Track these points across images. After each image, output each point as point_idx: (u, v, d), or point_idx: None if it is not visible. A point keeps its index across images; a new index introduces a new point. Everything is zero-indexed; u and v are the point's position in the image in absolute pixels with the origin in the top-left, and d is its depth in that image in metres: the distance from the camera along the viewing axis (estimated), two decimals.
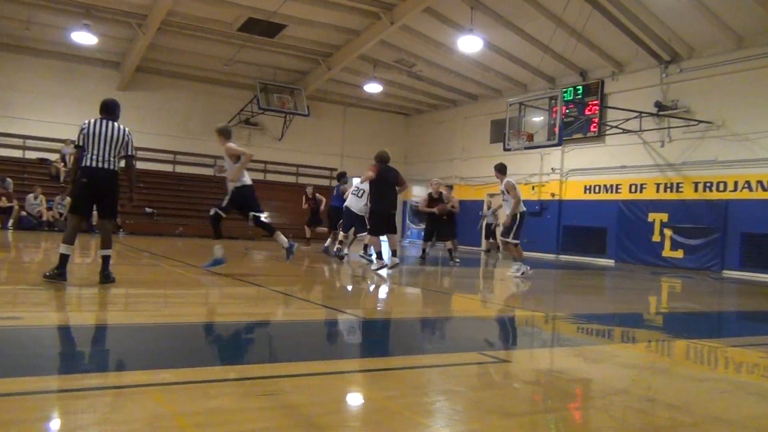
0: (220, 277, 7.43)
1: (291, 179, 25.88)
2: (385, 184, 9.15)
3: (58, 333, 3.77)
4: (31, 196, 17.93)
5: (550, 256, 19.09)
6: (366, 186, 10.99)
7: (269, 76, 23.25)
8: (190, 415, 2.22)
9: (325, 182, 26.54)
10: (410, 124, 28.24)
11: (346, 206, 11.79)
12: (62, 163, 20.69)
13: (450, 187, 15.11)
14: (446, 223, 12.98)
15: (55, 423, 2.16)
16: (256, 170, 24.85)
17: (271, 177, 25.26)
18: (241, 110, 23.97)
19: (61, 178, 20.07)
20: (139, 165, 22.64)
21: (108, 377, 2.73)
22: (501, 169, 10.03)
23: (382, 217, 9.21)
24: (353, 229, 11.82)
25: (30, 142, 21.07)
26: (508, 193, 9.65)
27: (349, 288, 8.26)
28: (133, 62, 21.15)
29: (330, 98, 25.71)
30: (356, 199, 11.54)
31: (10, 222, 17.34)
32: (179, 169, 23.60)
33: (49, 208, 18.14)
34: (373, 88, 22.81)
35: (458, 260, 13.03)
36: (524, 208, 10.00)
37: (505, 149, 18.03)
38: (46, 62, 21.41)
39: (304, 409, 2.38)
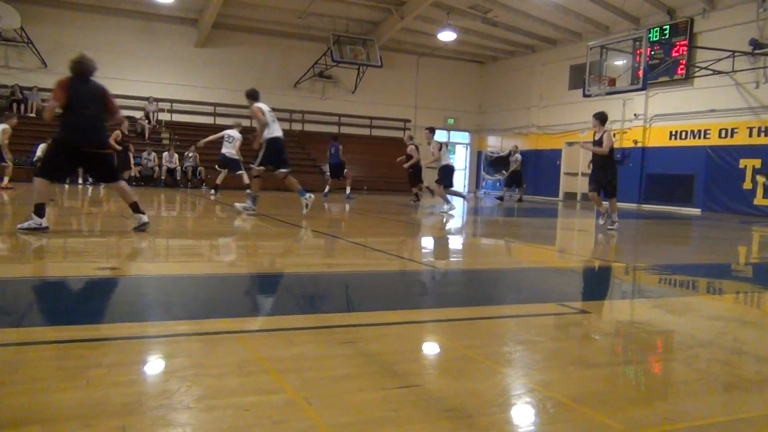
0: (298, 229, 7.61)
1: (365, 132, 25.94)
2: None
3: (152, 282, 3.98)
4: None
5: (632, 206, 18.48)
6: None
7: (342, 28, 23.13)
8: (276, 361, 2.31)
9: (398, 134, 26.46)
10: (485, 72, 27.58)
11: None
12: (146, 120, 21.47)
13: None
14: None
15: (154, 366, 2.30)
16: (331, 123, 25.06)
17: (345, 130, 25.38)
18: (315, 63, 24.05)
19: (146, 135, 20.89)
20: (219, 120, 23.33)
21: (199, 324, 2.87)
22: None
23: None
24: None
25: (116, 102, 21.91)
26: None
27: (426, 239, 8.29)
28: (210, 18, 21.47)
29: (403, 48, 25.39)
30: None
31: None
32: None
33: (137, 164, 18.94)
34: (446, 36, 22.33)
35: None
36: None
37: (585, 95, 17.40)
38: (126, 22, 22.06)
39: (385, 356, 2.44)
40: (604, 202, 9.50)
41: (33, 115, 20.40)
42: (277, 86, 24.04)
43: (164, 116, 22.58)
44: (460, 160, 28.96)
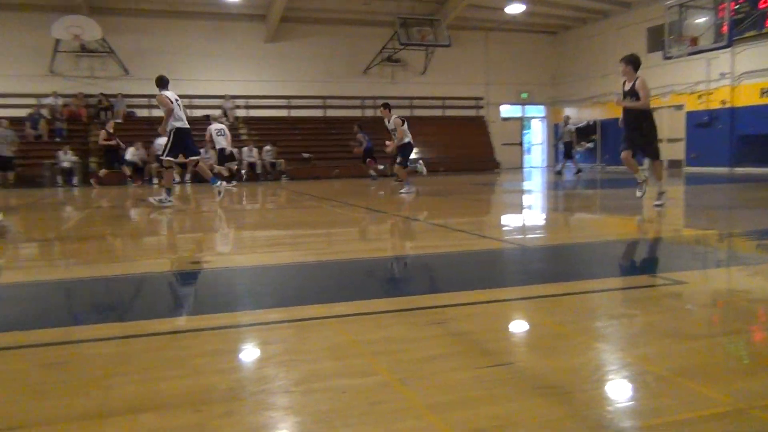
0: (378, 215, 7.67)
1: (437, 113, 25.78)
2: None
3: (244, 273, 4.12)
4: (202, 150, 19.41)
5: (722, 170, 17.56)
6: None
7: (407, 10, 23.00)
8: (367, 344, 2.36)
9: (471, 113, 26.16)
10: (557, 42, 26.78)
11: None
12: (224, 117, 22.12)
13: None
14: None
15: (252, 353, 2.38)
16: (402, 107, 25.02)
17: (417, 112, 25.28)
18: (382, 48, 24.05)
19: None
20: (293, 113, 23.77)
21: (289, 311, 2.95)
22: (634, 62, 7.57)
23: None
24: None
25: (195, 101, 22.68)
26: (640, 94, 7.45)
27: (507, 217, 8.18)
28: (277, 13, 21.84)
29: (470, 25, 24.99)
30: None
31: (188, 176, 18.99)
32: (329, 113, 24.34)
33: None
34: (515, 8, 21.83)
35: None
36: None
37: (665, 58, 16.63)
38: (198, 24, 22.74)
39: (475, 336, 2.44)
40: (642, 169, 7.94)
41: (120, 120, 21.41)
42: (346, 74, 24.25)
43: (241, 112, 23.20)
44: (537, 134, 28.33)
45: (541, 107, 27.49)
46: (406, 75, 25.39)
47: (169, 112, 9.19)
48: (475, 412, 1.70)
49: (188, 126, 9.54)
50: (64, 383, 2.00)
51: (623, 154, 7.61)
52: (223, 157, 15.97)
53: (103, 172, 15.70)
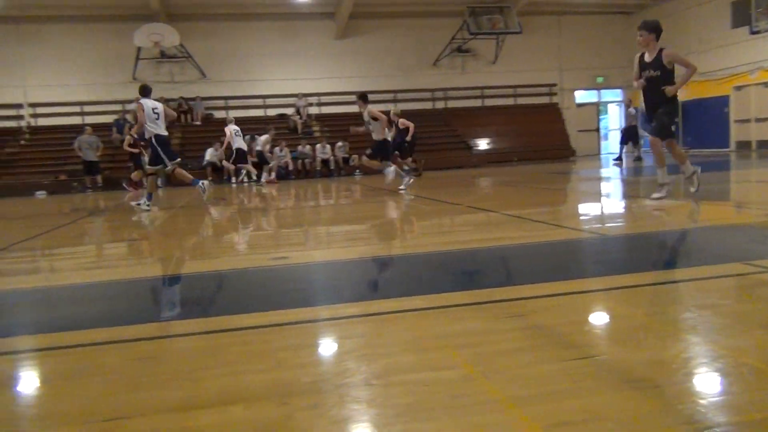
0: (451, 206, 7.63)
1: (509, 102, 25.39)
2: None
3: (318, 269, 4.19)
4: (277, 149, 19.87)
5: None
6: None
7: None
8: (446, 337, 2.35)
9: (544, 100, 25.63)
10: (633, 23, 25.77)
11: None
12: (298, 116, 22.52)
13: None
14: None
15: (332, 346, 2.42)
16: (473, 97, 24.77)
17: (488, 102, 25.01)
18: (452, 39, 23.89)
19: (299, 130, 21.93)
20: None
21: (367, 305, 2.98)
22: (656, 29, 6.57)
23: None
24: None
25: (269, 101, 23.22)
26: (675, 61, 6.63)
27: (584, 206, 7.98)
28: (346, 10, 22.04)
29: (542, 10, 24.46)
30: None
31: (264, 174, 19.44)
32: (400, 106, 24.39)
33: (293, 158, 19.96)
34: None
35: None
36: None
37: (752, 32, 15.76)
38: (270, 24, 23.24)
39: (557, 328, 2.39)
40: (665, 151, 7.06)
41: (198, 123, 22.17)
42: (416, 67, 24.21)
43: (313, 110, 23.57)
44: (614, 119, 27.45)
45: (618, 91, 26.60)
46: (476, 65, 25.12)
47: (142, 123, 9.62)
48: (559, 405, 1.67)
49: (166, 133, 9.86)
50: (158, 376, 2.09)
51: (652, 141, 6.87)
52: (240, 156, 16.71)
53: (135, 175, 16.29)
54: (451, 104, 24.86)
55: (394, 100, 24.26)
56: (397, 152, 13.11)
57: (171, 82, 22.75)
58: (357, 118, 23.57)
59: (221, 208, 10.54)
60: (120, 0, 21.16)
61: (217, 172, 19.47)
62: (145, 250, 5.70)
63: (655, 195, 6.88)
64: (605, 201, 8.38)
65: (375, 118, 10.48)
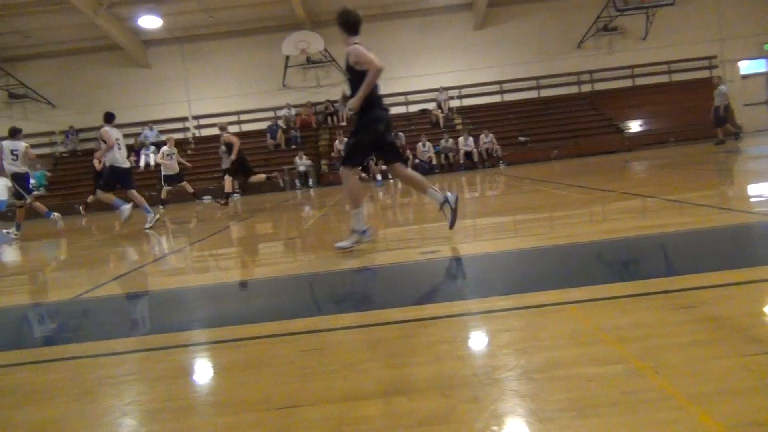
0: (605, 194, 7.29)
1: (662, 79, 23.80)
2: None
3: (470, 262, 4.18)
4: (420, 144, 20.10)
5: None
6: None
7: None
8: (611, 330, 2.25)
9: (703, 74, 23.74)
10: None
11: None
12: (439, 110, 22.61)
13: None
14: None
15: (489, 339, 2.40)
16: (622, 77, 23.51)
17: (640, 81, 23.60)
18: (597, 18, 22.83)
19: (441, 124, 22.02)
20: (506, 97, 23.54)
21: (523, 298, 2.93)
22: None
23: None
24: None
25: (410, 97, 23.51)
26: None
27: (753, 188, 7.28)
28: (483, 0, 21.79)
29: None
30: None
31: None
32: (543, 93, 23.70)
33: (436, 152, 20.08)
34: None
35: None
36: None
37: None
38: (408, 21, 23.52)
39: (735, 320, 2.20)
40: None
41: (344, 123, 22.96)
42: (559, 50, 23.41)
43: (454, 103, 23.54)
44: None
45: None
46: (625, 43, 23.81)
47: (108, 148, 9.85)
48: (745, 403, 1.54)
49: (125, 166, 10.17)
50: (324, 367, 2.20)
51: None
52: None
53: (164, 192, 16.76)
54: (599, 86, 23.72)
55: (537, 87, 23.62)
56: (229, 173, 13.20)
57: (317, 86, 23.76)
58: (498, 107, 23.24)
59: (368, 204, 10.84)
60: (268, 12, 22.40)
61: (363, 170, 20.04)
62: (302, 248, 5.99)
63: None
64: None
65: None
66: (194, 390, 2.23)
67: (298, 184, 20.12)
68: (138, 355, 2.70)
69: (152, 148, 22.59)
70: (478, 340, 2.42)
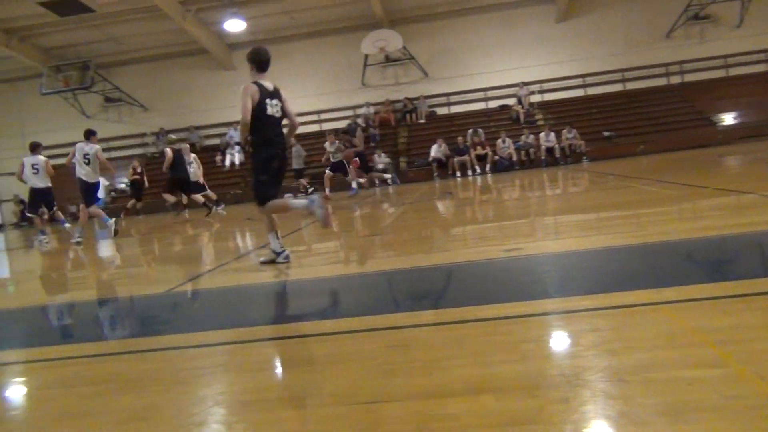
0: (697, 190, 6.96)
1: (760, 68, 22.48)
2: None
3: (554, 260, 4.08)
4: (499, 140, 19.84)
5: None
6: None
7: None
8: (710, 332, 2.14)
9: None
10: None
11: None
12: (519, 105, 22.24)
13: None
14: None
15: (578, 339, 2.32)
16: (714, 68, 22.38)
17: (734, 71, 22.38)
18: (687, 6, 21.81)
19: (521, 120, 21.65)
20: (590, 90, 22.85)
21: (611, 297, 2.83)
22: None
23: None
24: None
25: (490, 93, 23.24)
26: None
27: None
28: None
29: None
30: None
31: (487, 167, 19.55)
32: (630, 86, 22.87)
33: (516, 149, 19.77)
34: None
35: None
36: None
37: None
38: (487, 17, 23.24)
39: None
40: None
41: (423, 121, 22.96)
42: (645, 41, 22.52)
43: (535, 98, 23.08)
44: None
45: None
46: (717, 31, 22.63)
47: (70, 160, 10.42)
48: None
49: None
50: (409, 364, 2.20)
51: None
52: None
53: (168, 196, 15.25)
54: (689, 78, 22.66)
55: (623, 80, 22.82)
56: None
57: (396, 84, 23.84)
58: (581, 102, 22.59)
59: (447, 201, 10.79)
60: (347, 12, 22.66)
61: (442, 168, 19.98)
62: (382, 245, 6.03)
63: None
64: None
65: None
66: (281, 382, 2.28)
67: (377, 182, 20.27)
68: (226, 347, 2.79)
69: (237, 147, 23.32)
70: (564, 340, 2.36)
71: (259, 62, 5.15)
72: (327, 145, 14.87)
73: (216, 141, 24.63)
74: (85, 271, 7.03)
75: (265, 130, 5.07)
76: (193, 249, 8.04)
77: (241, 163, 23.15)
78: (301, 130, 24.19)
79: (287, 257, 5.11)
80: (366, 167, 15.21)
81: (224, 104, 24.42)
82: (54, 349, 3.18)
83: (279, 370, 2.45)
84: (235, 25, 21.59)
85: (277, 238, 5.17)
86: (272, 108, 5.09)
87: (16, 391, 2.53)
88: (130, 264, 5.91)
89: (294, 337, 2.87)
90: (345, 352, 2.45)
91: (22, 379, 2.73)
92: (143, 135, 25.22)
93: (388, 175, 15.28)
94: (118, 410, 2.11)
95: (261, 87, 5.04)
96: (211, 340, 2.94)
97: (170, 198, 13.96)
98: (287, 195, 14.49)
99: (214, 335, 3.05)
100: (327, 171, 14.66)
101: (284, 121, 5.33)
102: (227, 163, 23.26)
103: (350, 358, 2.36)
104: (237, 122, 23.59)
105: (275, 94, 5.14)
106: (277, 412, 1.95)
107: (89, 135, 10.42)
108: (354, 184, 14.73)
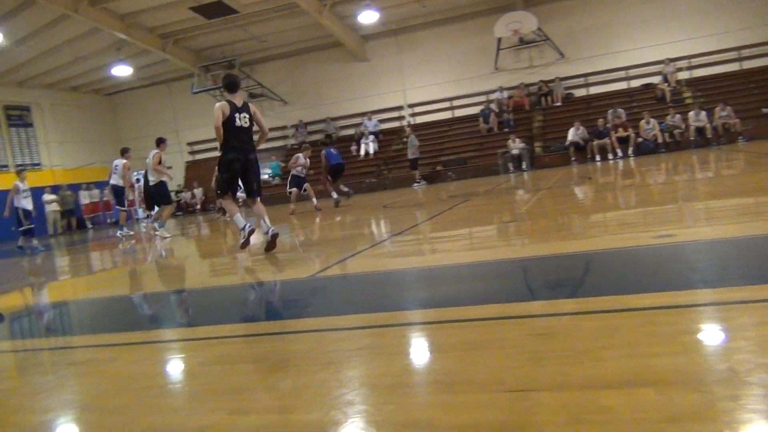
0: None
1: None
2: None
3: (710, 247, 3.78)
4: (643, 121, 18.71)
5: None
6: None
7: None
8: None
9: None
10: None
11: None
12: (665, 83, 20.84)
13: None
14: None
15: (743, 333, 2.13)
16: None
17: None
18: None
19: (668, 99, 20.27)
20: (746, 64, 20.86)
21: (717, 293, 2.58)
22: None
23: None
24: None
25: (632, 71, 21.97)
26: None
27: None
28: None
29: None
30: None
31: (630, 149, 18.52)
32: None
33: (662, 130, 18.55)
34: None
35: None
36: None
37: None
38: None
39: None
40: None
41: (559, 104, 22.17)
42: None
43: (683, 75, 21.50)
44: None
45: None
46: None
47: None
48: None
49: (113, 183, 13.12)
50: (557, 352, 2.12)
51: None
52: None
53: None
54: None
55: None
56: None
57: (530, 67, 23.18)
58: (738, 77, 20.68)
59: (586, 186, 10.37)
60: None
61: (580, 152, 19.22)
62: (518, 232, 5.89)
63: None
64: None
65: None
66: (425, 367, 2.29)
67: (511, 168, 19.86)
68: (370, 330, 2.85)
69: (371, 137, 23.78)
70: (730, 333, 2.17)
71: (228, 85, 6.45)
72: (301, 156, 13.84)
73: (351, 131, 25.24)
74: (229, 256, 7.47)
75: (231, 139, 6.26)
76: (331, 235, 8.31)
77: (375, 153, 23.57)
78: (432, 117, 24.24)
79: (249, 227, 6.43)
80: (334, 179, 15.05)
81: (358, 95, 24.95)
82: (215, 328, 3.41)
83: (420, 354, 2.46)
84: (368, 17, 21.95)
85: (238, 220, 6.52)
86: (240, 120, 6.26)
87: (182, 367, 2.74)
88: (277, 249, 6.25)
89: (432, 323, 2.87)
90: (485, 339, 2.42)
91: (186, 355, 2.95)
92: (284, 128, 26.36)
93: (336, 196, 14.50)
94: (273, 387, 2.22)
95: (231, 104, 6.25)
96: (356, 324, 3.01)
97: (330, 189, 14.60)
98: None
99: (358, 318, 3.13)
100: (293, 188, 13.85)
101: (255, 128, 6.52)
102: (362, 152, 23.78)
103: (492, 345, 2.32)
104: (371, 112, 24.16)
105: (244, 108, 6.33)
106: (422, 397, 1.96)
107: (123, 152, 12.70)
108: (334, 194, 14.65)
